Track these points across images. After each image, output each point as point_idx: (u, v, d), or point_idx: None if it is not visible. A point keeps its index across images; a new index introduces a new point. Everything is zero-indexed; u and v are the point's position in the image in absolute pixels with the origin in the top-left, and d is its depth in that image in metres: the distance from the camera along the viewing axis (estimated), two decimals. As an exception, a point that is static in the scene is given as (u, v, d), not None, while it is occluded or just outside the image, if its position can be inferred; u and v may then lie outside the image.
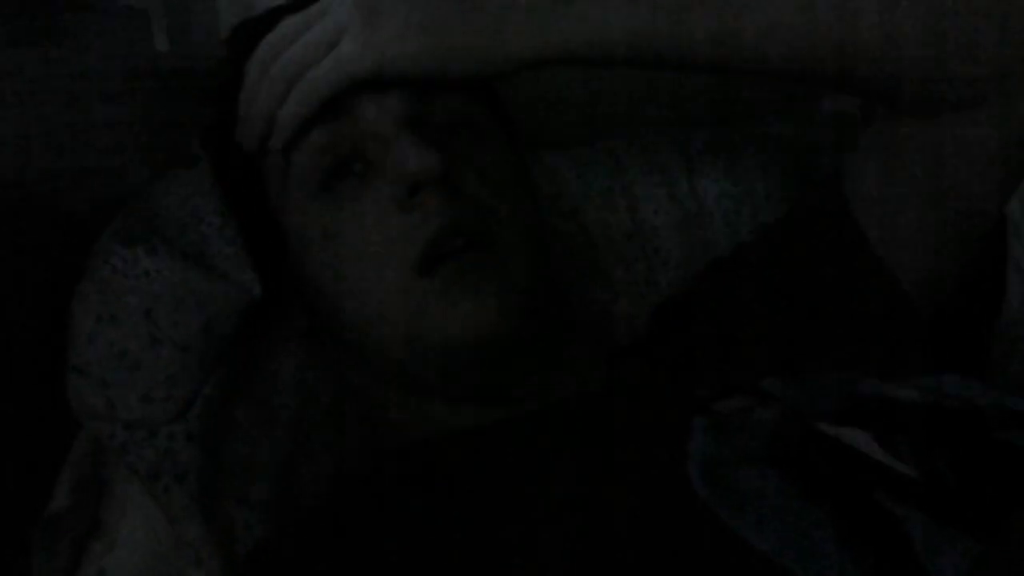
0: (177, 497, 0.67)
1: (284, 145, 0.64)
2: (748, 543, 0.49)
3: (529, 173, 0.72)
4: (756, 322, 0.70)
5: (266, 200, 0.67)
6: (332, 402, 0.75)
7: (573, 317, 0.82)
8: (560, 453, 0.60)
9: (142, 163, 0.75)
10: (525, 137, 0.79)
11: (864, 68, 0.63)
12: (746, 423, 0.56)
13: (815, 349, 0.68)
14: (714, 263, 0.79)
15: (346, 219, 0.63)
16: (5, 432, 0.71)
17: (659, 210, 0.88)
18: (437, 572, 0.55)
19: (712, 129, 0.90)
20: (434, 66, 0.62)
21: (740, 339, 0.70)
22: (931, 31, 0.61)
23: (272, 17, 0.67)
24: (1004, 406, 0.53)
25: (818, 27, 0.62)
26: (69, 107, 0.74)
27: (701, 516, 0.51)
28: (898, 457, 0.52)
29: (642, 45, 0.63)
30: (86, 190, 0.74)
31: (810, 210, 0.74)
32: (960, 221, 0.67)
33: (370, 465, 0.70)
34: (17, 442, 0.71)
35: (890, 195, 0.68)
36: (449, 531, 0.57)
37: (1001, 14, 0.61)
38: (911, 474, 0.50)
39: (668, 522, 0.53)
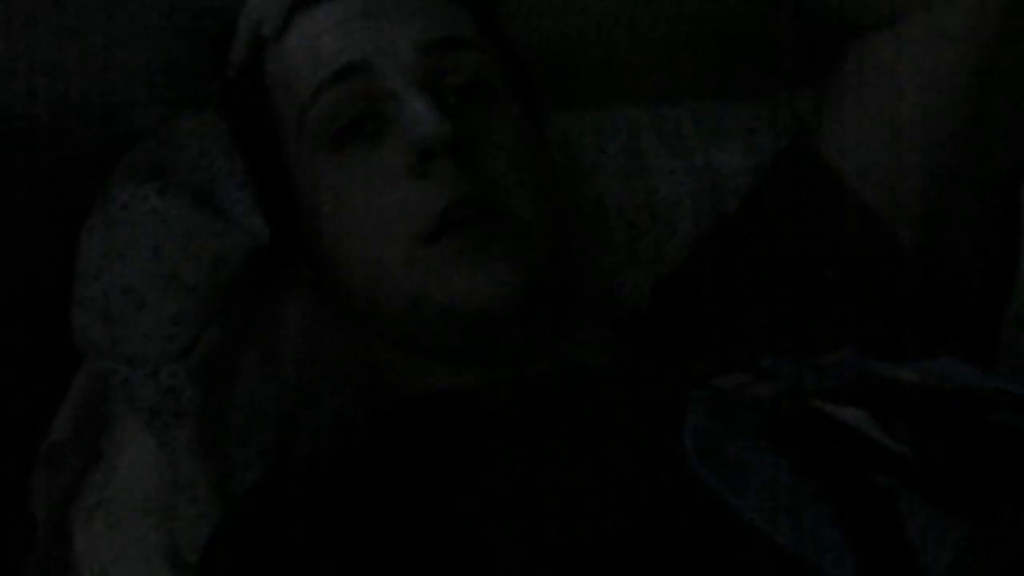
0: (177, 434, 0.67)
1: (300, 106, 0.64)
2: (738, 515, 0.50)
3: (544, 136, 0.72)
4: (752, 291, 0.71)
5: (279, 152, 0.67)
6: (336, 353, 0.75)
7: (581, 286, 0.82)
8: (557, 417, 0.60)
9: (153, 101, 0.75)
10: (544, 99, 0.79)
11: None
12: (743, 398, 0.57)
13: (813, 308, 0.68)
14: (703, 237, 0.79)
15: (357, 181, 0.63)
16: (10, 364, 0.71)
17: (673, 182, 0.87)
18: (427, 524, 0.56)
19: (730, 103, 0.90)
20: None
21: (738, 311, 0.70)
22: None
23: None
24: (1004, 391, 0.53)
25: None
26: (80, 41, 0.73)
27: (693, 486, 0.52)
28: (894, 437, 0.52)
29: None
30: (95, 126, 0.74)
31: (784, 166, 0.76)
32: (920, 142, 0.72)
33: (370, 417, 0.70)
34: (21, 374, 0.71)
35: (854, 128, 0.72)
36: (441, 485, 0.58)
37: None
38: (906, 454, 0.50)
39: (659, 490, 0.54)
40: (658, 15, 0.90)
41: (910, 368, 0.57)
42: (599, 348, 0.68)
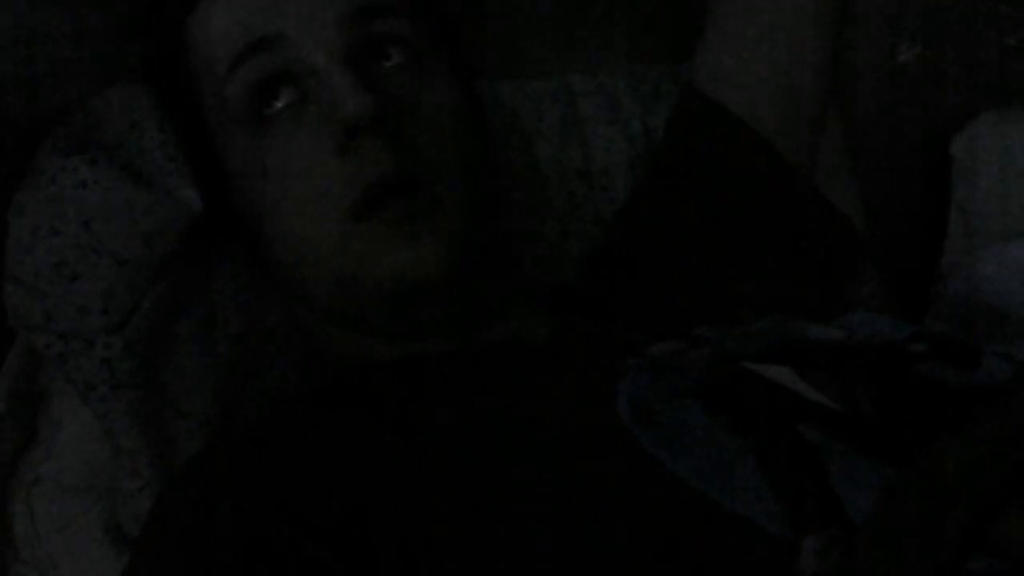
0: (114, 407, 0.67)
1: (218, 80, 0.64)
2: (674, 474, 0.51)
3: (478, 106, 0.72)
4: (676, 255, 0.72)
5: (207, 125, 0.67)
6: (274, 325, 0.75)
7: (520, 257, 0.82)
8: (492, 387, 0.61)
9: (85, 73, 0.74)
10: (481, 65, 0.79)
11: None
12: (677, 364, 0.58)
13: (735, 263, 0.70)
14: (623, 207, 0.80)
15: (283, 159, 0.63)
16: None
17: (611, 148, 0.88)
18: (367, 490, 0.56)
19: (664, 68, 0.90)
20: None
21: (666, 277, 0.71)
22: None
23: None
24: (925, 339, 0.54)
25: None
26: (13, 13, 0.72)
27: (630, 449, 0.52)
28: (821, 391, 0.53)
29: None
30: (27, 98, 0.73)
31: (676, 119, 0.79)
32: (795, 52, 0.75)
33: (309, 386, 0.70)
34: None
35: (735, 65, 0.74)
36: (380, 453, 0.58)
37: None
38: (832, 406, 0.52)
39: (596, 455, 0.55)
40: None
41: (836, 326, 0.59)
42: (537, 319, 0.68)
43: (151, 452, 0.68)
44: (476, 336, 0.66)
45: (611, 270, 0.76)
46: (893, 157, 0.99)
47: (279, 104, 0.63)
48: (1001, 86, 0.99)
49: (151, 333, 0.69)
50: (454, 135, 0.65)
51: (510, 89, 0.88)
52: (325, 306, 0.66)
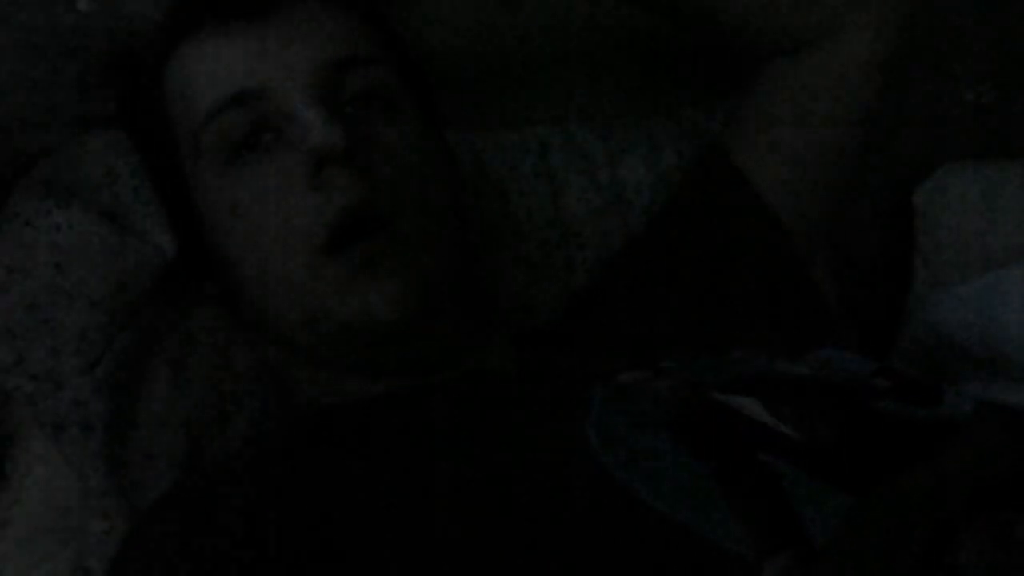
0: (83, 449, 0.67)
1: (195, 127, 0.64)
2: (642, 500, 0.51)
3: (447, 152, 0.73)
4: (657, 299, 0.73)
5: (180, 168, 0.68)
6: (247, 366, 0.75)
7: (491, 298, 0.83)
8: (463, 419, 0.61)
9: (60, 120, 0.75)
10: (454, 117, 0.80)
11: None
12: (644, 392, 0.58)
13: (720, 320, 0.71)
14: (617, 252, 0.82)
15: (254, 194, 0.63)
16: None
17: (581, 197, 0.89)
18: (332, 530, 0.56)
19: (634, 119, 0.92)
20: None
21: (643, 318, 0.72)
22: None
23: None
24: (887, 374, 0.55)
25: None
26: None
27: (599, 476, 0.53)
28: (783, 422, 0.54)
29: None
30: (1, 144, 0.74)
31: (696, 174, 0.80)
32: (825, 160, 0.76)
33: (279, 428, 0.71)
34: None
35: (762, 146, 0.75)
36: (350, 490, 0.58)
37: None
38: (793, 436, 0.52)
39: (566, 482, 0.55)
40: (569, 35, 0.92)
41: (802, 363, 0.60)
42: (506, 357, 0.69)
43: (120, 494, 0.67)
44: (444, 374, 0.66)
45: (588, 311, 0.77)
46: (859, 206, 1.01)
47: (254, 142, 0.64)
48: (960, 139, 1.01)
49: (123, 375, 0.69)
50: (422, 175, 0.66)
51: (482, 141, 0.90)
52: (294, 343, 0.66)
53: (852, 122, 0.76)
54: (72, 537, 0.68)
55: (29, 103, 0.74)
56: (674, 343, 0.71)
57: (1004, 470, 0.45)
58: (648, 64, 0.94)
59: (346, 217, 0.61)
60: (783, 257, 0.76)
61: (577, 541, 0.53)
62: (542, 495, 0.55)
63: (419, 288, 0.62)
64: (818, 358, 0.61)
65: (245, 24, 0.64)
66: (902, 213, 0.97)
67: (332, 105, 0.63)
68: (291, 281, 0.63)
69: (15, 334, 0.67)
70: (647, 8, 0.79)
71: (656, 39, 0.93)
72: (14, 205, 0.71)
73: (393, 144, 0.65)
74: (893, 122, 0.99)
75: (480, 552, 0.53)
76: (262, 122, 0.64)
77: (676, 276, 0.75)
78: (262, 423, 0.73)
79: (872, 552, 0.43)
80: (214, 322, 0.74)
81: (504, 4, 0.90)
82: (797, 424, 0.54)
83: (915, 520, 0.44)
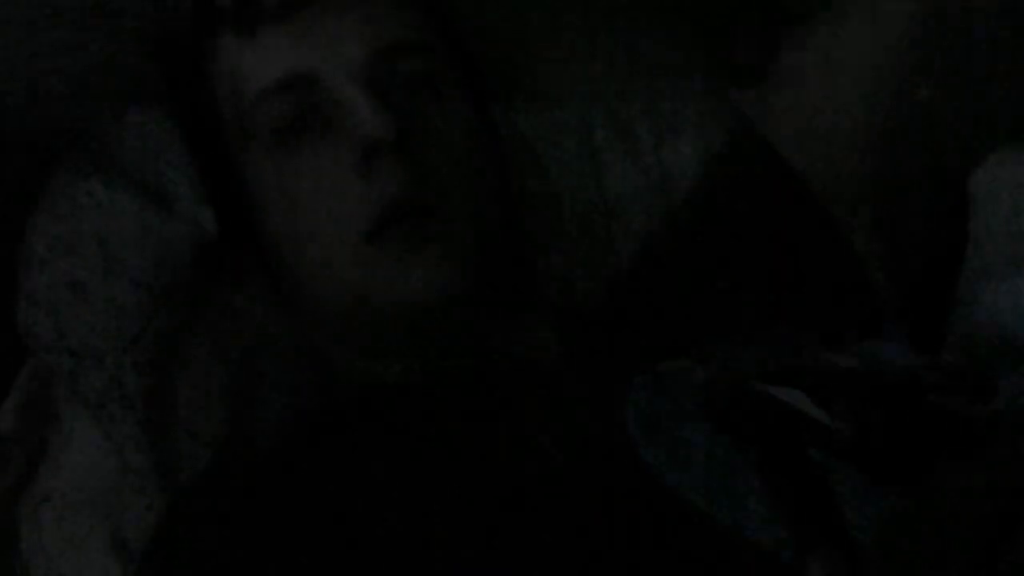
0: (123, 425, 0.67)
1: (243, 110, 0.64)
2: (679, 493, 0.50)
3: (495, 134, 0.72)
4: (699, 283, 0.72)
5: (225, 146, 0.67)
6: (286, 344, 0.75)
7: (533, 281, 0.83)
8: (505, 405, 0.61)
9: (100, 94, 0.75)
10: (499, 95, 0.79)
11: None
12: (684, 382, 0.58)
13: (763, 304, 0.69)
14: (655, 233, 0.81)
15: (303, 178, 0.63)
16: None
17: (624, 178, 0.88)
18: (379, 514, 0.56)
19: (682, 101, 0.91)
20: None
21: (685, 304, 0.71)
22: None
23: None
24: (939, 368, 0.54)
25: None
26: (26, 33, 0.73)
27: (634, 464, 0.52)
28: (830, 414, 0.53)
29: None
30: (41, 118, 0.74)
31: (732, 156, 0.78)
32: (861, 130, 0.74)
33: (320, 409, 0.71)
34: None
35: (797, 117, 0.74)
36: (392, 472, 0.58)
37: None
38: (840, 429, 0.51)
39: (604, 473, 0.54)
40: (613, 8, 0.91)
41: (849, 353, 0.58)
42: (548, 342, 0.68)
43: (159, 470, 0.68)
44: (487, 358, 0.65)
45: (629, 295, 0.76)
46: (911, 194, 0.99)
47: (302, 126, 0.63)
48: (1018, 123, 0.99)
49: (162, 352, 0.69)
50: (469, 162, 0.65)
51: (527, 118, 0.89)
52: (338, 327, 0.66)
53: (889, 87, 0.75)
54: (111, 512, 0.68)
55: (68, 77, 0.74)
56: (716, 328, 0.70)
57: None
58: (689, 42, 0.93)
59: (394, 206, 0.61)
60: (817, 227, 0.74)
61: (612, 530, 0.52)
62: (580, 483, 0.54)
63: (465, 271, 0.62)
64: (866, 349, 0.59)
65: (296, 8, 0.64)
66: (957, 202, 0.95)
67: (382, 93, 0.63)
68: (336, 265, 0.63)
69: (57, 310, 0.68)
70: None
71: (697, 10, 0.91)
72: (57, 183, 0.71)
73: (441, 131, 0.64)
74: (946, 106, 0.98)
75: (517, 536, 0.53)
76: (312, 108, 0.63)
77: (715, 258, 0.74)
78: (300, 402, 0.73)
79: (918, 554, 0.42)
80: (253, 300, 0.74)
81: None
82: (848, 418, 0.53)
83: (971, 518, 0.43)
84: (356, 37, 0.64)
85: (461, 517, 0.55)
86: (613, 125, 0.90)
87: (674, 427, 0.53)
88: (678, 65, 0.93)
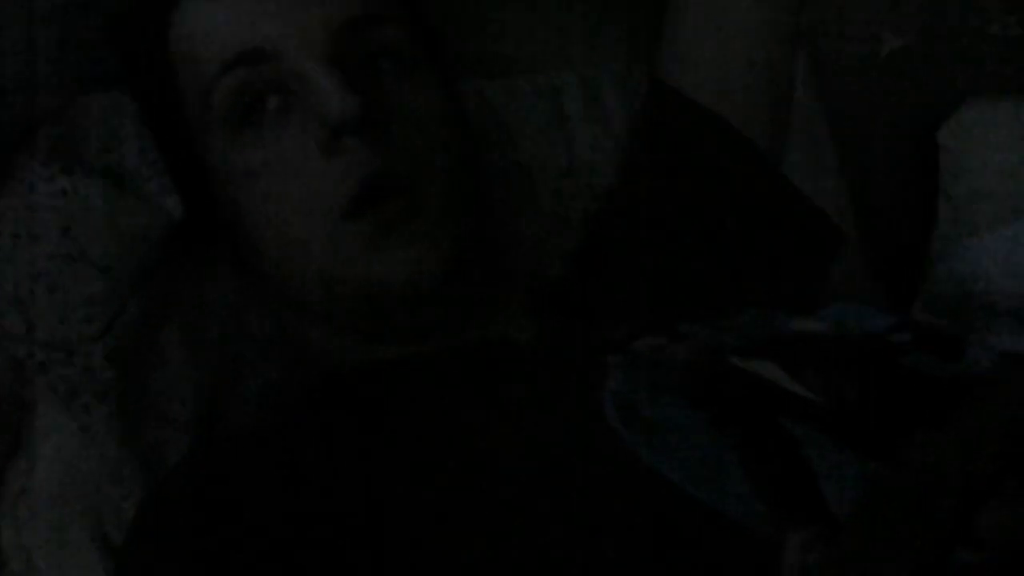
0: (97, 415, 0.67)
1: (204, 86, 0.63)
2: (658, 472, 0.51)
3: (462, 107, 0.72)
4: (656, 250, 0.72)
5: (188, 130, 0.66)
6: (260, 329, 0.75)
7: (507, 258, 0.82)
8: (477, 385, 0.61)
9: (57, 84, 0.74)
10: (464, 65, 0.78)
11: None
12: (659, 359, 0.57)
13: (715, 255, 0.70)
14: (600, 206, 0.81)
15: (269, 162, 0.63)
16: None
17: (596, 147, 0.88)
18: (350, 494, 0.56)
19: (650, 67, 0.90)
20: None
21: (646, 272, 0.71)
22: None
23: None
24: (908, 328, 0.54)
25: None
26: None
27: (614, 447, 0.52)
28: (804, 385, 0.53)
29: None
30: (2, 107, 0.73)
31: (647, 111, 0.79)
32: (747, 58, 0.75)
33: (296, 391, 0.70)
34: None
35: (702, 55, 0.75)
36: (369, 456, 0.58)
37: None
38: (815, 399, 0.51)
39: (582, 453, 0.54)
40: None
41: (818, 318, 0.58)
42: (522, 320, 0.68)
43: (135, 459, 0.68)
44: (462, 338, 0.65)
45: (593, 268, 0.76)
46: (880, 148, 0.99)
47: (266, 109, 0.63)
48: (986, 74, 0.99)
49: (134, 340, 0.69)
50: (440, 138, 0.65)
51: (496, 88, 0.89)
52: (312, 308, 0.66)
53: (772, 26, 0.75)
54: (90, 504, 0.68)
55: (25, 65, 0.73)
56: (682, 295, 0.70)
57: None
58: (658, 9, 0.92)
59: (365, 185, 0.61)
60: (763, 174, 0.75)
61: (592, 511, 0.52)
62: (557, 464, 0.55)
63: (442, 248, 0.62)
64: (834, 314, 0.60)
65: None
66: (926, 150, 0.95)
67: (346, 69, 0.62)
68: (311, 247, 0.62)
69: (24, 302, 0.67)
70: None
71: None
72: (17, 170, 0.70)
73: (408, 106, 0.64)
74: (913, 60, 0.98)
75: (495, 520, 0.53)
76: (274, 84, 0.62)
77: (668, 223, 0.74)
78: (277, 387, 0.73)
79: (895, 523, 0.42)
80: (227, 285, 0.74)
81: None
82: (820, 387, 0.53)
83: (937, 488, 0.43)
84: (318, 9, 0.63)
85: (438, 498, 0.55)
86: (583, 93, 0.89)
87: (651, 405, 0.53)
88: (642, 38, 0.93)
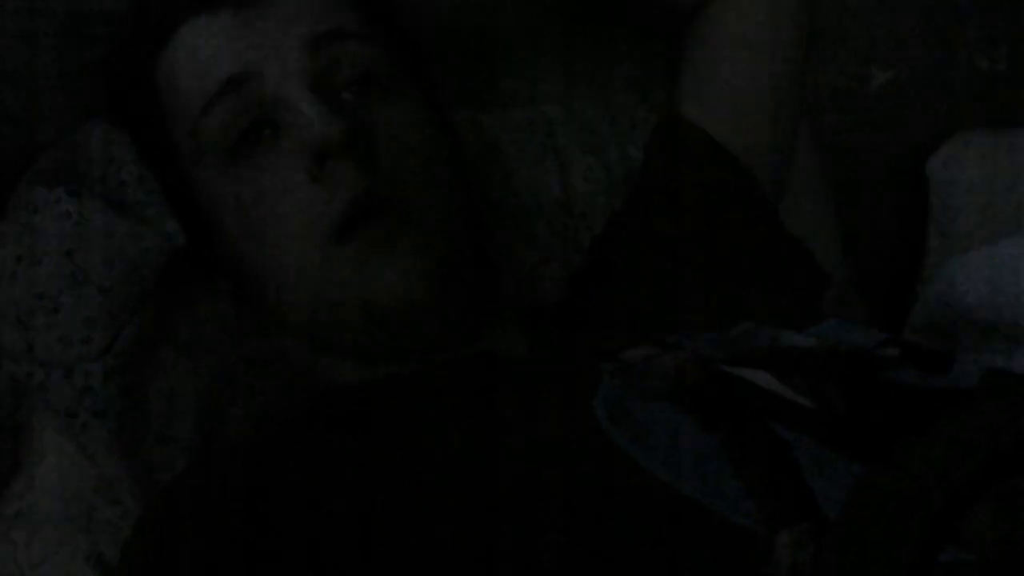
0: (95, 434, 0.67)
1: (192, 120, 0.64)
2: (649, 472, 0.51)
3: (448, 129, 0.72)
4: (655, 271, 0.73)
5: (180, 162, 0.67)
6: (257, 349, 0.75)
7: (498, 280, 0.83)
8: (475, 401, 0.61)
9: (59, 108, 0.75)
10: (460, 96, 0.80)
11: None
12: (650, 367, 0.58)
13: (711, 277, 0.71)
14: (604, 227, 0.82)
15: (257, 188, 0.63)
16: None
17: (588, 176, 0.89)
18: (350, 509, 0.56)
19: (642, 96, 0.92)
20: None
21: (644, 292, 0.72)
22: None
23: None
24: (894, 345, 0.55)
25: None
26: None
27: (607, 450, 0.53)
28: (795, 391, 0.53)
29: None
30: (3, 135, 0.74)
31: (657, 142, 0.80)
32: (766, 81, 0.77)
33: (291, 408, 0.71)
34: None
35: (710, 99, 0.77)
36: (363, 472, 0.58)
37: None
38: (805, 404, 0.52)
39: (575, 457, 0.55)
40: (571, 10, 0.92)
41: (808, 334, 0.59)
42: (515, 339, 0.69)
43: (132, 480, 0.68)
44: (454, 354, 0.66)
45: (589, 289, 0.77)
46: (869, 181, 1.00)
47: (255, 137, 0.63)
48: (974, 108, 1.00)
49: (133, 360, 0.69)
50: (423, 156, 0.65)
51: (489, 119, 0.90)
52: (304, 331, 0.67)
53: (790, 49, 0.78)
54: (86, 524, 0.68)
55: (30, 94, 0.74)
56: (677, 313, 0.71)
57: (1014, 438, 0.45)
58: (645, 40, 0.93)
59: (352, 208, 0.61)
60: (763, 210, 0.76)
61: (586, 518, 0.53)
62: (552, 473, 0.55)
63: (430, 266, 0.62)
64: (823, 330, 0.60)
65: (233, 11, 0.64)
66: (915, 182, 0.96)
67: (328, 93, 0.63)
68: (304, 271, 0.63)
69: (25, 322, 0.68)
70: None
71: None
72: (21, 194, 0.71)
73: (392, 126, 0.64)
74: (901, 93, 0.99)
75: (489, 532, 0.53)
76: (259, 114, 0.63)
77: (667, 247, 0.75)
78: (274, 407, 0.73)
79: (881, 525, 0.43)
80: (225, 307, 0.74)
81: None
82: (810, 393, 0.53)
83: (922, 492, 0.44)
84: (294, 29, 0.64)
85: (433, 513, 0.55)
86: (574, 123, 0.91)
87: (642, 411, 0.54)
88: (632, 69, 0.94)
